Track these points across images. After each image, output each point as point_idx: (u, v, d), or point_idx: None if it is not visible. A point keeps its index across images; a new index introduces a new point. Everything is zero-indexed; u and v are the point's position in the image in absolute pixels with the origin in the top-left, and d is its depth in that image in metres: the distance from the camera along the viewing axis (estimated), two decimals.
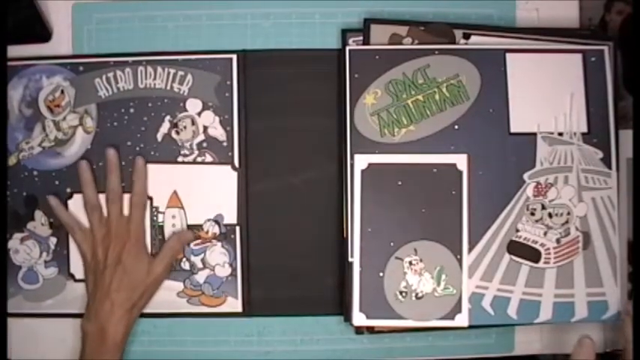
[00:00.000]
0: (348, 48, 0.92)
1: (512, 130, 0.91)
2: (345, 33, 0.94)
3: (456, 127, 0.91)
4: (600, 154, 0.91)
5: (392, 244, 0.90)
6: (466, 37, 0.93)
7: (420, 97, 0.91)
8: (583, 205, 0.91)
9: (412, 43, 0.93)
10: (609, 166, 0.91)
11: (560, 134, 0.91)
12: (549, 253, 0.90)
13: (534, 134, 0.91)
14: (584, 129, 0.92)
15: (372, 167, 0.90)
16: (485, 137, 0.91)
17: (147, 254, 0.92)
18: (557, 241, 0.90)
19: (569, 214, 0.91)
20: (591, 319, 0.91)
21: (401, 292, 0.90)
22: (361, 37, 0.93)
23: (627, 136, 0.92)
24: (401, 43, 0.93)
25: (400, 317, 0.90)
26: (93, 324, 0.88)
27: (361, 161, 0.90)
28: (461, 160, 0.90)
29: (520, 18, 0.96)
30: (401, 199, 0.90)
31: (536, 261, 0.90)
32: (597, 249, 0.91)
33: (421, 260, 0.90)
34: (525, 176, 0.91)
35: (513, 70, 0.92)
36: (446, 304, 0.90)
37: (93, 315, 0.88)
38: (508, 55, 0.92)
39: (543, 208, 0.91)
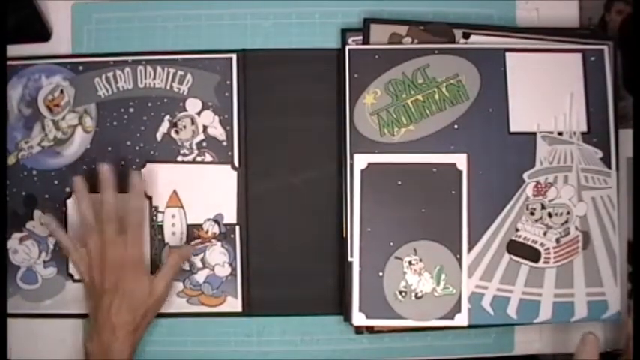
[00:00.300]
0: (347, 48, 0.93)
1: (512, 129, 0.92)
2: (345, 33, 0.94)
3: (456, 126, 0.92)
4: (600, 154, 0.92)
5: (391, 243, 0.91)
6: (466, 36, 0.94)
7: (419, 97, 0.92)
8: (583, 204, 0.92)
9: (412, 43, 0.93)
10: (609, 166, 0.92)
11: (560, 134, 0.92)
12: (549, 253, 0.91)
13: (534, 134, 0.92)
14: (584, 129, 0.92)
15: (371, 167, 0.91)
16: (484, 137, 0.92)
17: (147, 275, 0.90)
18: (557, 240, 0.91)
19: (568, 213, 0.91)
20: (591, 319, 0.91)
21: (400, 292, 0.90)
22: (361, 37, 0.94)
23: (627, 135, 0.93)
24: (401, 43, 0.93)
25: (400, 317, 0.90)
26: (96, 344, 0.87)
27: (361, 161, 0.91)
28: (460, 160, 0.91)
29: (520, 18, 0.97)
30: (400, 198, 0.91)
31: (536, 260, 0.91)
32: (597, 248, 0.92)
33: (421, 260, 0.90)
34: (525, 176, 0.91)
35: (513, 70, 0.92)
36: (445, 304, 0.90)
37: (95, 335, 0.87)
38: (508, 55, 0.93)
39: (543, 207, 0.91)
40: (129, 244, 0.89)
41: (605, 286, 0.91)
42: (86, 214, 0.90)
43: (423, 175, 0.91)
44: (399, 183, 0.91)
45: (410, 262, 0.90)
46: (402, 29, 0.94)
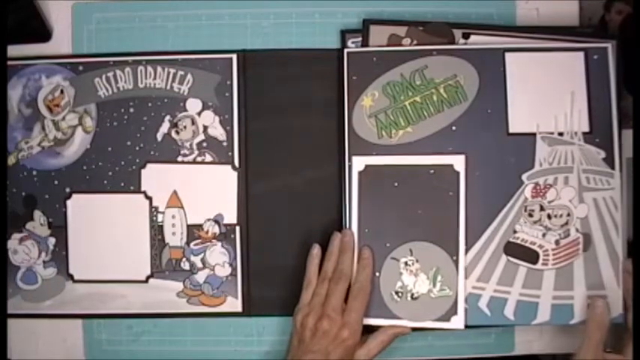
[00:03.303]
0: (345, 50, 0.95)
1: (511, 130, 0.94)
2: (345, 34, 0.97)
3: (454, 128, 0.93)
4: (603, 154, 0.93)
5: (388, 244, 0.93)
6: (465, 36, 0.96)
7: (417, 99, 0.94)
8: (584, 206, 0.93)
9: (411, 44, 0.95)
10: (612, 166, 0.93)
11: (561, 134, 0.93)
12: (548, 255, 0.92)
13: (533, 134, 0.93)
14: (586, 128, 0.93)
15: (369, 169, 0.94)
16: (483, 138, 0.94)
17: (352, 348, 0.90)
18: (556, 242, 0.93)
19: (569, 215, 0.93)
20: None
21: (397, 293, 0.93)
22: (360, 38, 0.96)
23: (628, 136, 0.94)
24: (400, 44, 0.95)
25: (396, 317, 0.93)
26: None
27: (358, 163, 0.94)
28: (458, 161, 0.93)
29: (520, 17, 0.99)
30: (398, 200, 0.93)
31: (534, 262, 0.93)
32: (599, 250, 0.93)
33: (417, 261, 0.93)
34: (524, 177, 0.93)
35: (513, 70, 0.94)
36: (442, 306, 0.93)
37: None
38: (507, 55, 0.94)
39: (542, 209, 0.93)
40: (347, 310, 0.91)
41: (607, 289, 0.93)
42: (310, 270, 0.94)
43: (420, 177, 0.93)
44: (396, 184, 0.93)
45: (406, 263, 0.93)
46: (401, 30, 0.96)
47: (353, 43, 0.97)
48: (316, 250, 0.95)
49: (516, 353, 1.00)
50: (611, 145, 0.94)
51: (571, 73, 0.95)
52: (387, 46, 0.96)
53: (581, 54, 0.95)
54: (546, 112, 0.95)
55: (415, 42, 0.96)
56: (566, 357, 0.96)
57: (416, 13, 0.99)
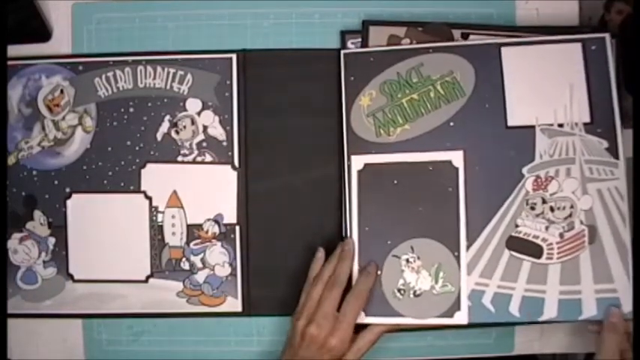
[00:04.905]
0: (342, 52, 0.96)
1: (510, 123, 0.93)
2: (344, 35, 0.98)
3: (452, 123, 0.93)
4: (605, 144, 0.91)
5: (389, 242, 0.93)
6: (465, 37, 0.96)
7: (414, 96, 0.94)
8: (588, 197, 0.91)
9: (410, 44, 0.96)
10: (616, 156, 0.91)
11: (561, 125, 0.92)
12: (552, 248, 0.91)
13: (533, 127, 0.92)
14: (587, 119, 0.92)
15: (368, 167, 0.94)
16: (481, 132, 0.93)
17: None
18: (561, 235, 0.91)
19: (572, 207, 0.91)
20: (602, 317, 0.90)
21: (399, 290, 0.92)
22: (360, 39, 0.97)
23: (630, 135, 0.93)
24: (399, 44, 0.96)
25: (399, 315, 0.92)
26: None
27: (357, 162, 0.94)
28: (456, 157, 0.92)
29: (520, 18, 0.99)
30: (397, 197, 0.93)
31: (538, 257, 0.91)
32: (606, 243, 0.90)
33: (418, 258, 0.92)
34: (524, 170, 0.92)
35: (509, 64, 0.93)
36: (444, 302, 0.92)
37: None
38: (503, 49, 0.93)
39: (544, 202, 0.91)
40: (340, 317, 0.90)
41: (616, 282, 0.90)
42: (312, 274, 0.94)
43: (419, 174, 0.93)
44: (395, 182, 0.93)
45: (407, 260, 0.92)
46: (401, 31, 0.96)
47: (353, 44, 0.98)
48: (320, 254, 0.94)
49: (516, 353, 0.99)
50: (614, 134, 0.92)
51: (569, 64, 0.94)
52: (384, 45, 0.97)
53: (579, 45, 0.94)
54: (545, 105, 0.94)
55: (414, 42, 0.96)
56: (565, 357, 0.95)
57: (415, 14, 0.99)
